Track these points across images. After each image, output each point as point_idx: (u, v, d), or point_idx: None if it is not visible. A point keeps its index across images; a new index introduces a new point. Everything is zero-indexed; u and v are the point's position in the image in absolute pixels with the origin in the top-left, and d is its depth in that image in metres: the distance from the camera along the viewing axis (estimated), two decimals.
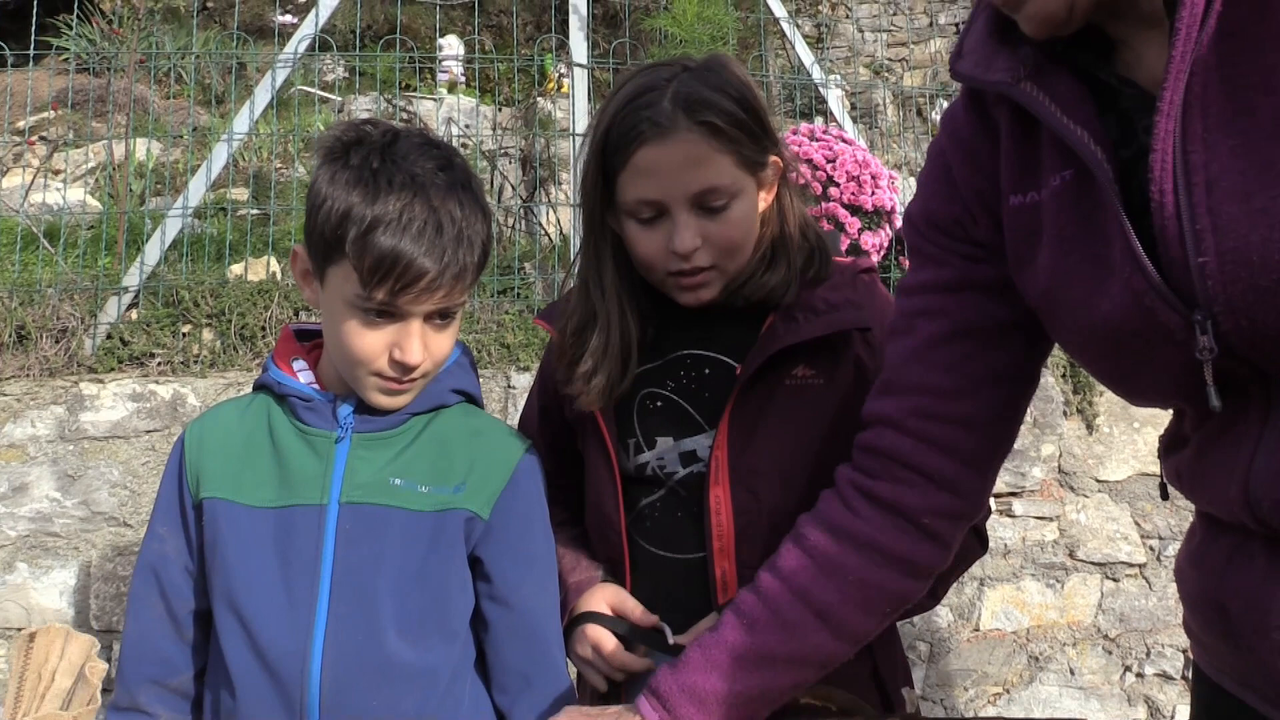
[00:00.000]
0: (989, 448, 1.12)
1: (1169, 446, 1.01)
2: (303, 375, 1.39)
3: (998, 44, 0.97)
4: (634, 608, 1.37)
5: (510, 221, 4.15)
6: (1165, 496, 1.08)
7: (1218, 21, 0.80)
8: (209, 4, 6.49)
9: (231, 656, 1.28)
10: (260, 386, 1.40)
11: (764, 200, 1.38)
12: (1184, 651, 3.24)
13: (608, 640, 1.36)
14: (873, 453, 1.15)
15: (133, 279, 3.29)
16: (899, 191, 3.40)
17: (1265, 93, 0.77)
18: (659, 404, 1.41)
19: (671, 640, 1.34)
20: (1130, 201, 0.86)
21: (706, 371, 1.40)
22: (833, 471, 1.32)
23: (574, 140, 3.54)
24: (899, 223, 3.33)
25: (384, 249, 1.21)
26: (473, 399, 1.45)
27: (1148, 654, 3.26)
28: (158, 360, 3.10)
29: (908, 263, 1.18)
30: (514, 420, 3.06)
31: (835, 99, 4.25)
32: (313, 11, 3.59)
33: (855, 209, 3.30)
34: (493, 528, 1.34)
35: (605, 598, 1.38)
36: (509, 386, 3.15)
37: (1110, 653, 3.24)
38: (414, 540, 1.31)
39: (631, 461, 1.42)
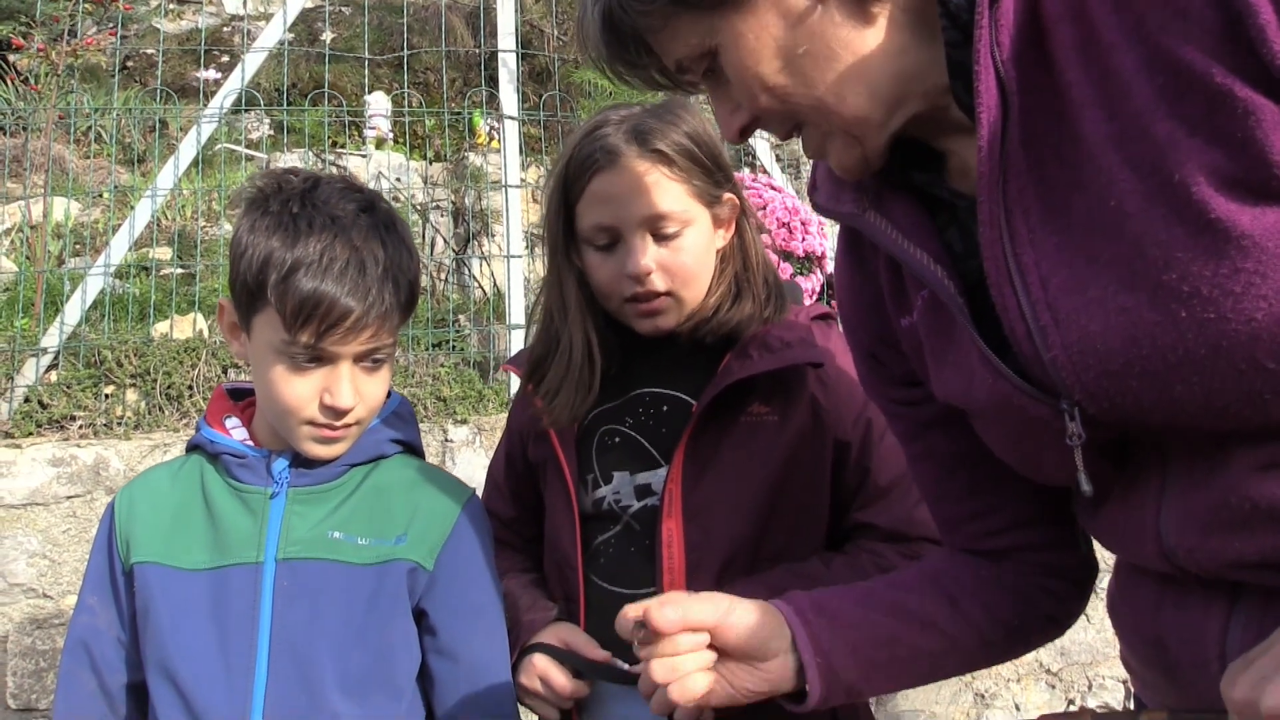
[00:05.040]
0: (1060, 509, 1.08)
1: (1080, 505, 1.02)
2: (236, 433, 1.35)
3: (839, 177, 0.99)
4: (585, 643, 1.35)
5: (443, 275, 4.13)
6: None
7: (1020, 128, 0.81)
8: (130, 62, 6.39)
9: None
10: (193, 447, 1.37)
11: (722, 238, 1.42)
12: (1124, 683, 3.28)
13: (555, 669, 1.34)
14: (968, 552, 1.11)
15: (52, 339, 3.18)
16: (828, 237, 3.46)
17: (1076, 190, 0.79)
18: (617, 440, 1.42)
19: (627, 668, 1.32)
20: (987, 307, 0.87)
21: (665, 409, 1.41)
22: (787, 508, 1.31)
23: (506, 192, 3.54)
24: (829, 267, 3.38)
25: (306, 291, 1.19)
26: (413, 449, 1.43)
27: (1089, 686, 3.29)
28: (79, 423, 3.00)
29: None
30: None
31: (764, 150, 4.33)
32: (238, 68, 3.56)
33: (787, 255, 3.34)
34: (437, 579, 1.32)
35: (556, 633, 1.37)
36: (446, 440, 3.11)
37: (1054, 687, 3.26)
38: (354, 595, 1.28)
39: (589, 497, 1.42)
